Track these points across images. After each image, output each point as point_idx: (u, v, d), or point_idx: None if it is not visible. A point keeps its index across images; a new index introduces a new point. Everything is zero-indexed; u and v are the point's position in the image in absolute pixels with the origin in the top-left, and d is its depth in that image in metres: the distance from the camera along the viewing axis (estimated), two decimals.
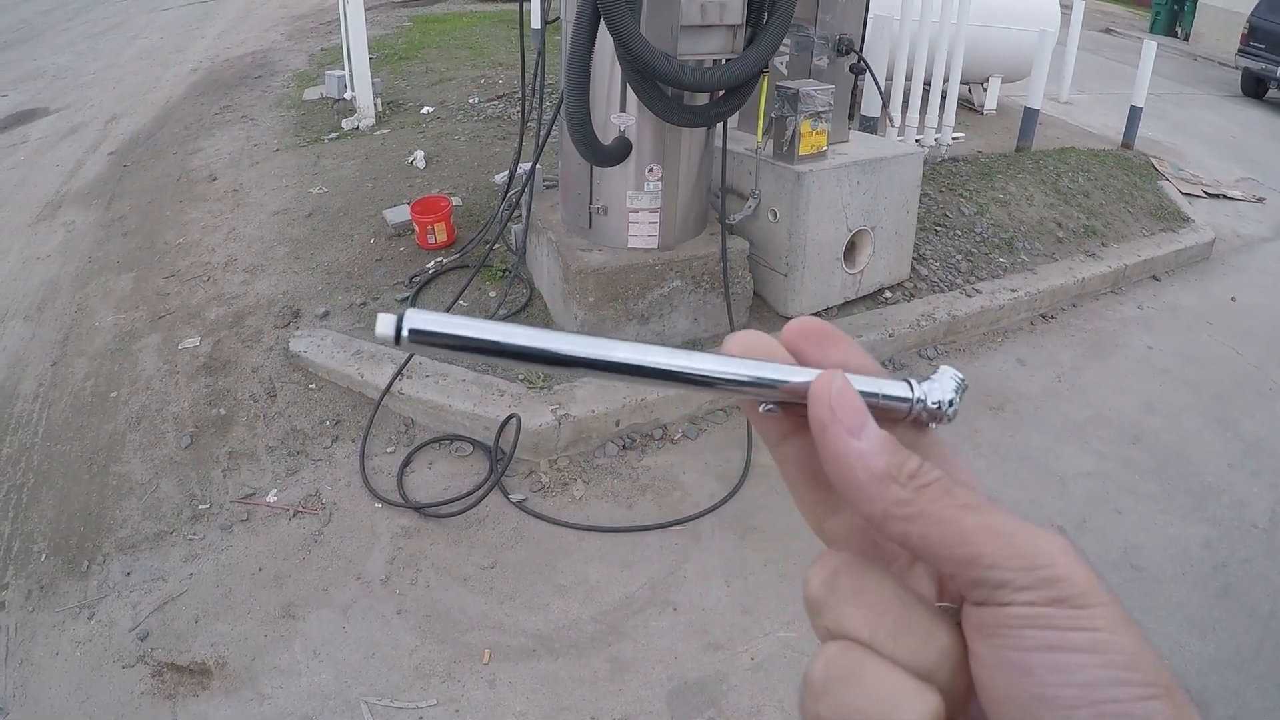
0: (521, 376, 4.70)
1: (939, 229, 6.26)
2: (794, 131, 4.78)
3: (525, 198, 5.07)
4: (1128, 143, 9.52)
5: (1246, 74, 14.58)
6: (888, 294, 5.55)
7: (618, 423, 4.48)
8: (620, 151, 4.42)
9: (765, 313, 5.22)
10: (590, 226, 4.80)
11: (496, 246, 5.52)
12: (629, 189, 4.61)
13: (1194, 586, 4.03)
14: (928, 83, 7.23)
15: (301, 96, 8.60)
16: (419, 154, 6.73)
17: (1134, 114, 9.52)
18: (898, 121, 6.64)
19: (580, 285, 4.62)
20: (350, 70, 7.58)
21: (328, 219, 6.16)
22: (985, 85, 9.41)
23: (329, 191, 6.50)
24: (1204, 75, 15.96)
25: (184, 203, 6.91)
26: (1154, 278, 7.00)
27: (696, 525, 4.09)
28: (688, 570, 3.86)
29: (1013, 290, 5.93)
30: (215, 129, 8.12)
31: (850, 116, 5.33)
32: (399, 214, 5.82)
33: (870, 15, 7.21)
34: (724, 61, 4.22)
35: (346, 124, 7.59)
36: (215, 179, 7.10)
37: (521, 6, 4.89)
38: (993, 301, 5.77)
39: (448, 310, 4.24)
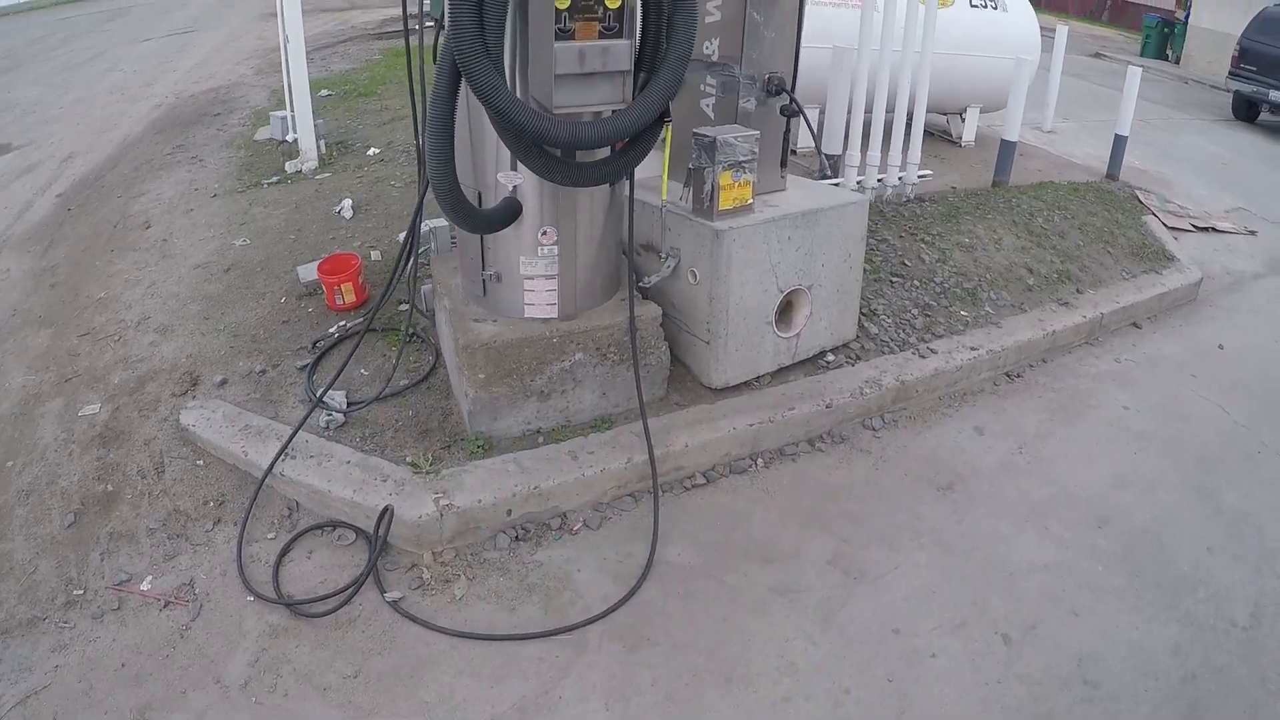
0: (409, 459, 3.99)
1: (895, 280, 5.45)
2: (713, 185, 4.01)
3: (408, 265, 4.36)
4: (1112, 173, 8.64)
5: (1237, 97, 13.59)
6: (829, 357, 4.76)
7: (509, 512, 3.74)
8: (505, 215, 3.68)
9: (688, 382, 4.45)
10: (485, 294, 4.05)
11: (405, 308, 4.81)
12: (521, 254, 3.86)
13: (1157, 705, 3.22)
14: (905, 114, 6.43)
15: (254, 136, 7.92)
16: (346, 203, 6.00)
17: (1119, 143, 8.65)
18: (840, 169, 5.81)
19: (469, 361, 3.88)
20: (292, 112, 6.88)
21: (244, 275, 5.46)
22: (963, 116, 8.58)
23: (251, 244, 5.80)
24: (1194, 99, 14.97)
25: (115, 252, 6.25)
26: (1134, 325, 6.15)
27: (583, 634, 3.35)
28: (565, 689, 3.13)
29: (973, 348, 5.11)
30: (163, 170, 7.44)
31: (783, 163, 4.55)
32: (310, 271, 5.10)
33: (832, 46, 6.45)
34: (613, 112, 3.46)
35: (290, 166, 6.89)
36: (149, 226, 6.43)
37: (408, 40, 4.14)
38: (949, 362, 4.96)
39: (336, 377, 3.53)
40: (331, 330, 4.80)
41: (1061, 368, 5.50)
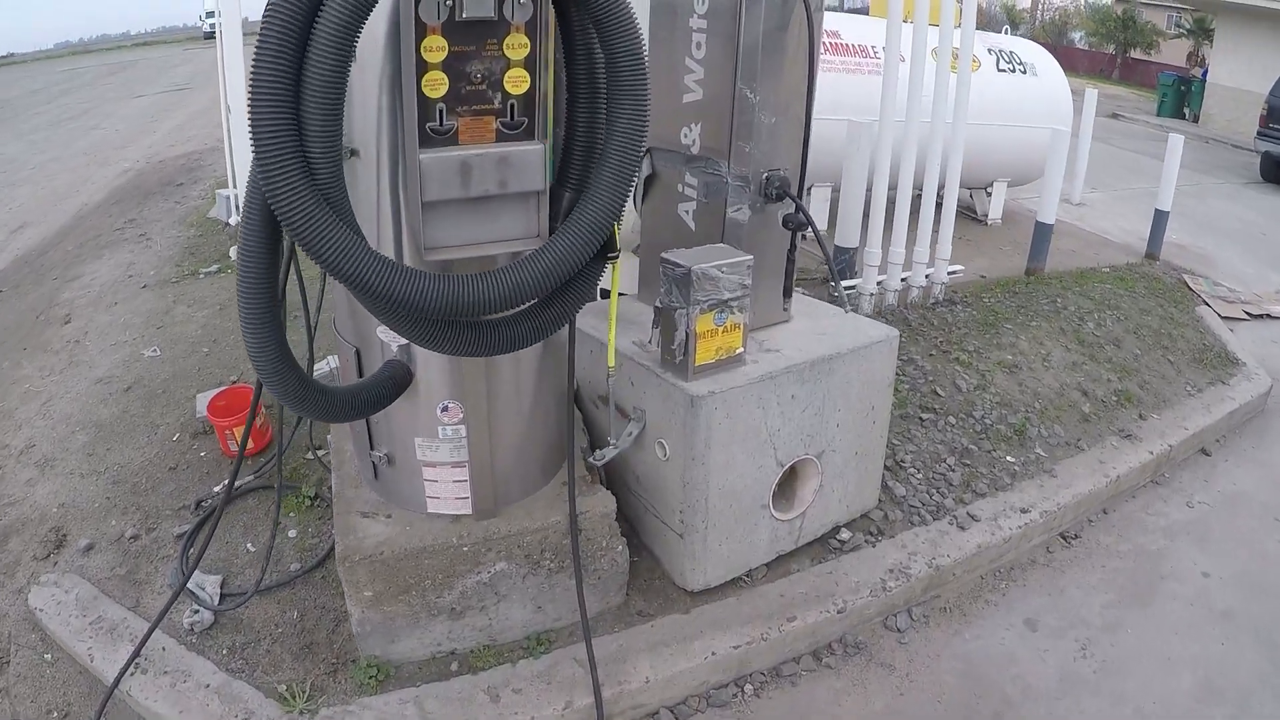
0: (282, 688, 2.73)
1: (926, 417, 4.11)
2: (687, 332, 2.71)
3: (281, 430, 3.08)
4: (1152, 253, 7.30)
5: (1267, 158, 12.14)
6: (844, 535, 3.42)
7: None
8: (383, 390, 2.39)
9: (656, 579, 3.12)
10: (377, 478, 2.76)
11: (319, 453, 3.55)
12: (416, 435, 2.57)
13: None
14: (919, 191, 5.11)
15: (209, 212, 6.69)
16: None
17: (1159, 219, 7.31)
18: (856, 267, 4.45)
19: (349, 577, 2.59)
20: (236, 189, 5.64)
21: (144, 397, 4.21)
22: (988, 190, 7.24)
23: (161, 355, 4.54)
24: (1218, 160, 13.52)
25: (26, 351, 5.04)
26: (1203, 452, 4.78)
27: None
28: None
29: (1023, 510, 3.76)
30: (107, 249, 6.24)
31: (786, 291, 3.24)
32: (206, 402, 3.85)
33: (846, 119, 5.14)
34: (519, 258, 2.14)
35: (233, 253, 5.66)
36: (68, 321, 5.21)
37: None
38: (995, 533, 3.61)
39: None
40: (216, 488, 3.53)
41: (1126, 520, 4.14)
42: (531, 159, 2.05)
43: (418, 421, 2.54)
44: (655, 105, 3.21)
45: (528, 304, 2.08)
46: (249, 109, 1.77)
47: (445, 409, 2.48)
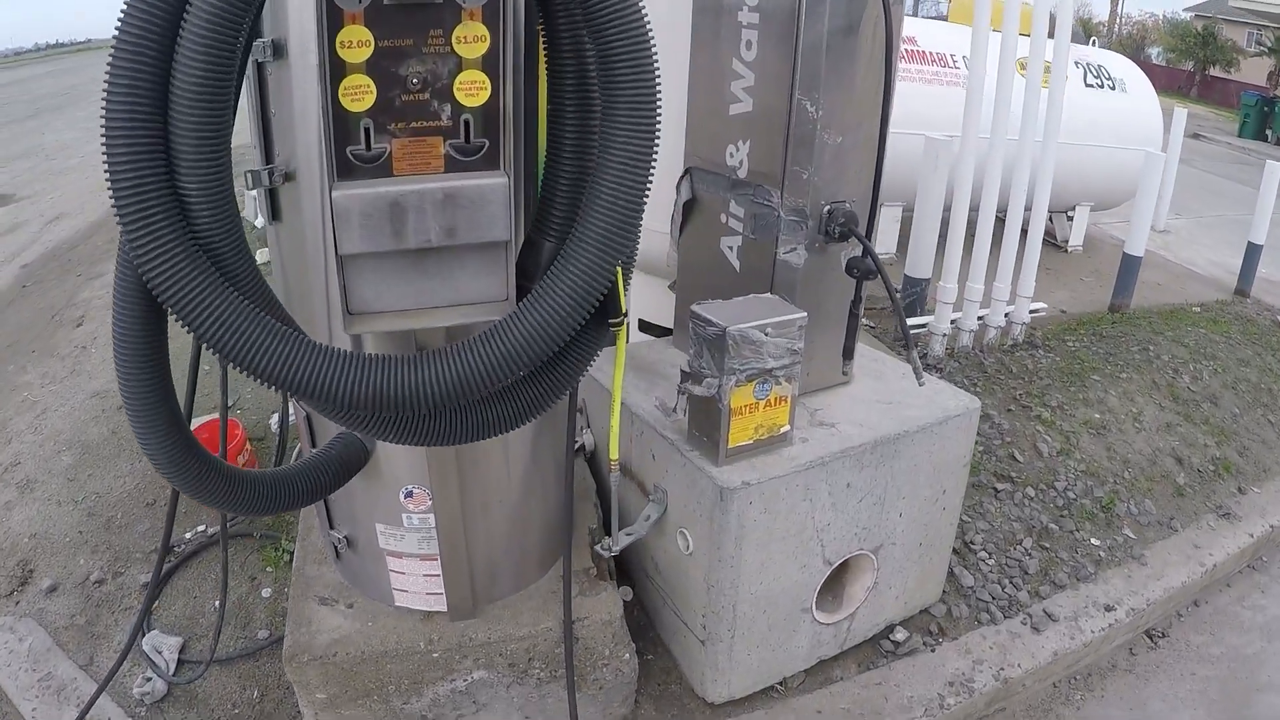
0: None
1: (1000, 487, 3.41)
2: (721, 407, 2.09)
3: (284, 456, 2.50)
4: (1243, 289, 6.43)
5: None
6: (898, 634, 2.76)
7: None
8: (329, 473, 1.81)
9: (673, 686, 2.51)
10: (339, 559, 2.20)
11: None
12: (377, 520, 2.00)
13: None
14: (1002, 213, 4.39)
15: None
16: None
17: (1251, 253, 6.43)
18: (926, 301, 3.71)
19: (299, 677, 2.04)
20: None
21: None
22: (1069, 215, 6.44)
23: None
24: None
25: (34, 355, 4.62)
26: None
27: None
28: None
29: (1108, 607, 3.07)
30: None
31: (847, 352, 2.59)
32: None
33: (921, 134, 4.44)
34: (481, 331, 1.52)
35: (260, 256, 5.16)
36: (81, 324, 4.79)
37: None
38: (1074, 637, 2.92)
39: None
40: (187, 535, 3.02)
41: (1219, 615, 3.41)
42: (492, 196, 1.43)
43: (379, 506, 1.97)
44: (696, 116, 2.61)
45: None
46: (102, 132, 1.21)
47: (409, 494, 1.91)
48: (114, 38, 1.19)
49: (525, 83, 1.59)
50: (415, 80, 1.34)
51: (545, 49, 1.51)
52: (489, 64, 1.40)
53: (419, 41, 1.31)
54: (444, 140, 1.41)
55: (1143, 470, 3.73)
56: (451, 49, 1.36)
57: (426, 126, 1.38)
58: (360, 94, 1.31)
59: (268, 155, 1.63)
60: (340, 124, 1.32)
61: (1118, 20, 35.29)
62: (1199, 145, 14.32)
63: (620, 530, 2.26)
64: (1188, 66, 26.21)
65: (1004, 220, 4.40)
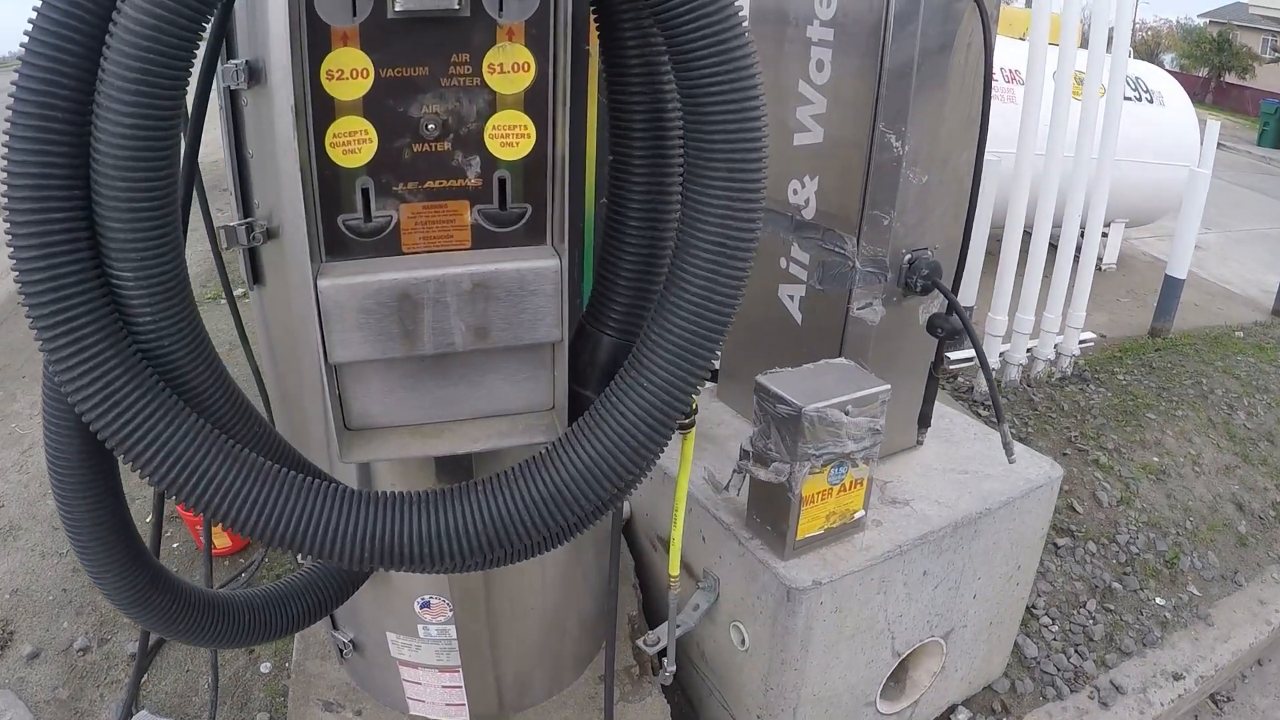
0: None
1: (1061, 543, 3.01)
2: (792, 497, 1.70)
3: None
4: None
5: None
6: (961, 715, 2.38)
7: None
8: (327, 589, 1.43)
9: None
10: (344, 659, 1.83)
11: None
12: (389, 629, 1.63)
13: None
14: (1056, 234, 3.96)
15: None
16: None
17: None
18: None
19: None
20: None
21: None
22: (1105, 232, 5.99)
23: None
24: None
25: (26, 380, 4.13)
26: None
27: None
28: None
29: (1177, 676, 2.68)
30: None
31: (923, 420, 2.20)
32: None
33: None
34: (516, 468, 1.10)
35: None
36: None
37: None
38: (1143, 713, 2.53)
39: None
40: None
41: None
42: (538, 283, 1.03)
43: (390, 614, 1.59)
44: None
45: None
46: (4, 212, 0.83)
47: (426, 605, 1.53)
48: (17, 76, 0.80)
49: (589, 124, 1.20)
50: (432, 124, 0.95)
51: (607, 77, 1.11)
52: (534, 102, 1.00)
53: (436, 70, 0.92)
54: (471, 206, 1.02)
55: (1204, 519, 3.33)
56: (482, 81, 0.96)
57: (447, 187, 0.99)
58: (355, 143, 0.92)
59: (245, 206, 1.25)
60: (329, 185, 0.93)
61: (1131, 27, 34.10)
62: (1220, 154, 13.68)
63: (667, 623, 1.88)
64: (1202, 73, 25.29)
65: (1044, 243, 3.99)
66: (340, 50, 0.86)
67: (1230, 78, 23.68)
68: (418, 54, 0.91)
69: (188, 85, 0.84)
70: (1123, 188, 5.72)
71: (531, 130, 1.02)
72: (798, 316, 2.11)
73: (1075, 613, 2.79)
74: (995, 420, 1.96)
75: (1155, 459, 3.43)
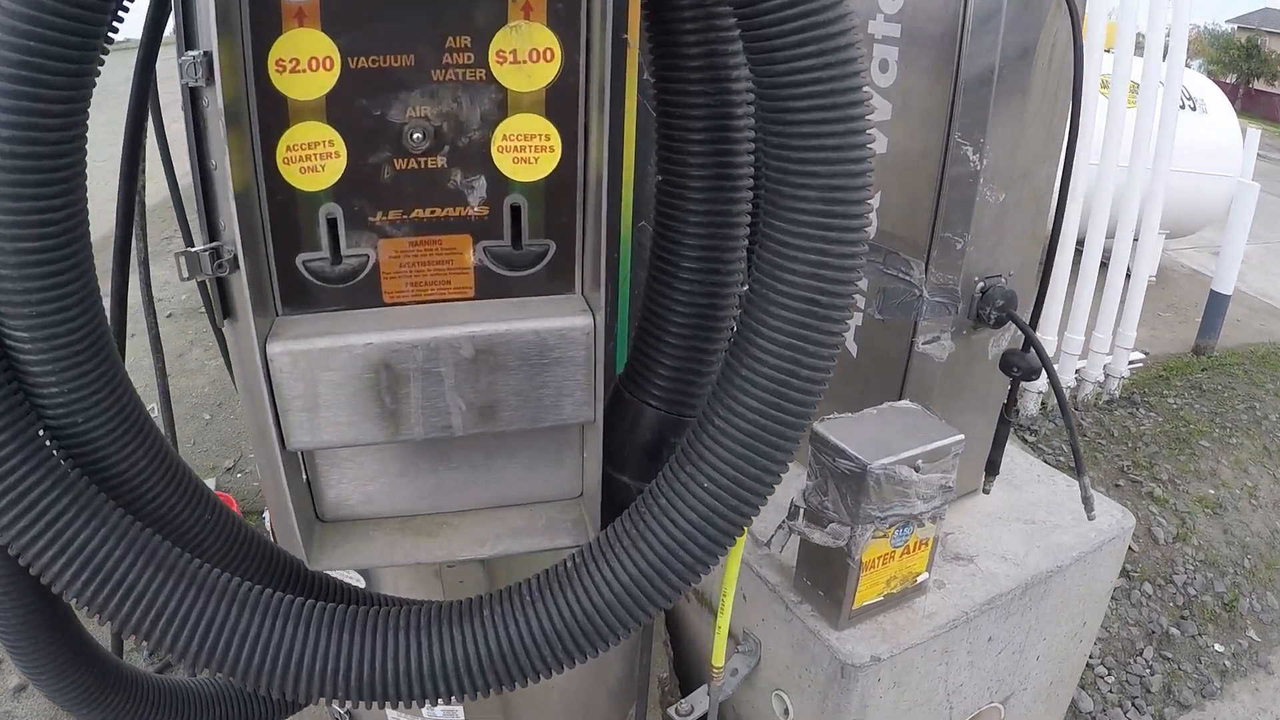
0: None
1: (1116, 585, 2.72)
2: (851, 563, 1.45)
3: None
4: None
5: None
6: None
7: None
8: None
9: None
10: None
11: None
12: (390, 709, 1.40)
13: None
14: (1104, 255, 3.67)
15: None
16: None
17: None
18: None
19: None
20: None
21: None
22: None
23: (157, 417, 3.41)
24: None
25: None
26: None
27: None
28: None
29: None
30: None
31: (991, 467, 1.92)
32: None
33: None
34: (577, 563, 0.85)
35: None
36: None
37: None
38: None
39: None
40: None
41: None
42: (564, 348, 0.76)
43: None
44: None
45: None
46: None
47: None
48: None
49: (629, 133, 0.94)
50: (420, 133, 0.69)
51: (656, 73, 0.84)
52: (558, 103, 0.73)
53: (426, 59, 0.66)
54: (474, 242, 0.76)
55: (1262, 556, 3.03)
56: (489, 74, 0.70)
57: (442, 218, 0.73)
58: (317, 159, 0.67)
59: (211, 228, 1.00)
60: (283, 214, 0.68)
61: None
62: (1259, 164, 13.16)
63: (703, 688, 1.63)
64: (1230, 79, 24.46)
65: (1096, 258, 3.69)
66: (294, 32, 0.60)
67: (1259, 84, 22.87)
68: (400, 37, 0.64)
69: (92, 82, 0.60)
70: (1165, 198, 5.39)
71: (556, 141, 0.75)
72: (853, 348, 1.84)
73: (1132, 661, 2.52)
74: (1041, 448, 1.70)
75: (1211, 491, 3.13)
